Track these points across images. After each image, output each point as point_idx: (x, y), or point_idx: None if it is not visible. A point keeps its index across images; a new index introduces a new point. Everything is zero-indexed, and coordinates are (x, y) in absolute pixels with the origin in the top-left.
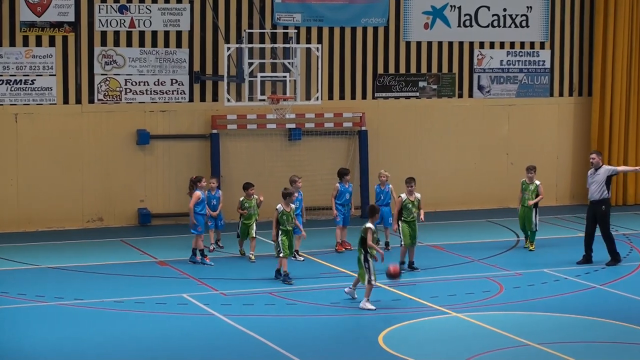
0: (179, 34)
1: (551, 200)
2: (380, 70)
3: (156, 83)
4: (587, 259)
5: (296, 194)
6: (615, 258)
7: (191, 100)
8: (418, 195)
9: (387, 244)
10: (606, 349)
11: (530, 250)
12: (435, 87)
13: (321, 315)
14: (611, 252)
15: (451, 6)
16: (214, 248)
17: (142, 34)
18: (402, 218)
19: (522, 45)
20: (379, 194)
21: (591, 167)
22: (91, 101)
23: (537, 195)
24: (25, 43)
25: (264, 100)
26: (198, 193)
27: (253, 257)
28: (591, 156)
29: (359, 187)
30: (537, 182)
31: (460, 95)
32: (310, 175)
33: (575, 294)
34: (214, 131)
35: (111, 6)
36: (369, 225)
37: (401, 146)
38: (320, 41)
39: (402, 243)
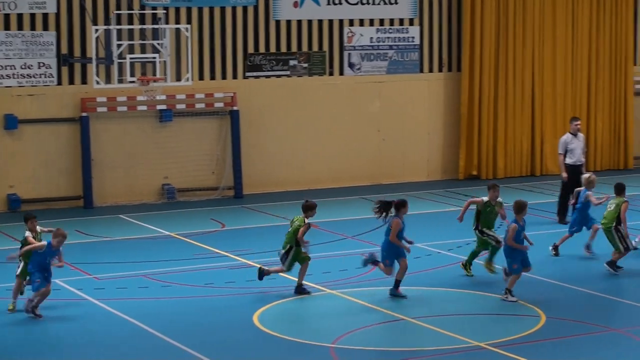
0: (45, 16)
1: (422, 175)
2: (251, 49)
3: (23, 67)
4: None
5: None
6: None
7: (59, 83)
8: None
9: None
10: (480, 321)
11: None
12: (306, 65)
13: (196, 297)
14: None
15: None
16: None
17: (7, 17)
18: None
19: (392, 22)
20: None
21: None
22: None
23: None
24: None
25: (133, 81)
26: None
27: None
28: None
29: (232, 167)
30: None
31: (331, 73)
32: (181, 157)
33: (448, 268)
34: (84, 114)
35: None
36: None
37: (273, 125)
38: (189, 21)
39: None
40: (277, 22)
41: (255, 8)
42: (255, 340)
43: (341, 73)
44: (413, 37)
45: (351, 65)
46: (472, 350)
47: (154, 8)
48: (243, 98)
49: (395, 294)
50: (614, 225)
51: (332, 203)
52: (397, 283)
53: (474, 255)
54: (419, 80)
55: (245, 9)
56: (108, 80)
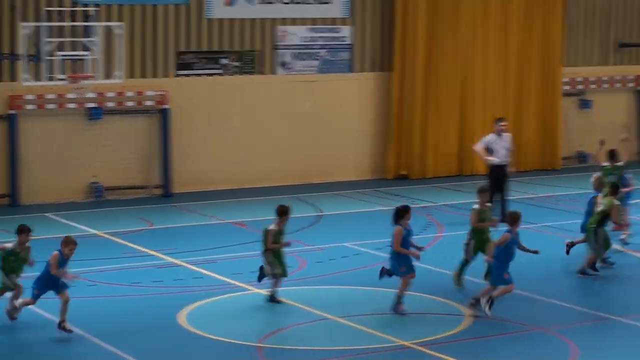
0: None
1: (352, 174)
2: (183, 47)
3: None
4: None
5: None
6: None
7: None
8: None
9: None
10: (407, 320)
11: None
12: (237, 64)
13: (122, 296)
14: None
15: None
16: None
17: None
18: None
19: (324, 21)
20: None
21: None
22: None
23: None
24: None
25: (63, 79)
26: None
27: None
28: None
29: (162, 166)
30: None
31: (263, 72)
32: (111, 155)
33: (376, 267)
34: (12, 112)
35: None
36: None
37: (204, 124)
38: (121, 19)
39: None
40: (209, 21)
41: (188, 6)
42: (181, 340)
43: (273, 72)
44: (345, 37)
45: (283, 64)
46: (398, 350)
47: (86, 5)
48: (174, 96)
49: (397, 310)
50: (595, 226)
51: (262, 202)
52: (398, 299)
53: (464, 264)
54: (350, 80)
55: (177, 7)
56: (37, 77)
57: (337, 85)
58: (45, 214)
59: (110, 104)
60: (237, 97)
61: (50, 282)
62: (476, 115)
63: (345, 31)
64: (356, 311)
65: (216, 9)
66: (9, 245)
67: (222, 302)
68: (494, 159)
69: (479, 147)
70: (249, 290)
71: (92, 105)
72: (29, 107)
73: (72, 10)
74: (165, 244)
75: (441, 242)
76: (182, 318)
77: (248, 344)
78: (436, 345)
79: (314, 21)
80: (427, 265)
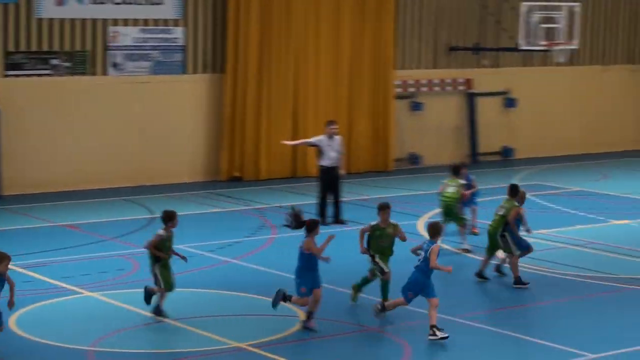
0: None
1: (185, 177)
2: (11, 47)
3: None
4: None
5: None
6: None
7: None
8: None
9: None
10: (241, 322)
11: None
12: (68, 64)
13: None
14: None
15: None
16: None
17: None
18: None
19: (156, 22)
20: None
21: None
22: None
23: None
24: None
25: None
26: None
27: None
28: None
29: None
30: None
31: (94, 73)
32: None
33: (210, 269)
34: None
35: None
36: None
37: (35, 125)
38: None
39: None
40: (39, 20)
41: (17, 5)
42: (12, 345)
43: (104, 73)
44: (177, 38)
45: (114, 65)
46: (232, 352)
47: None
48: (3, 97)
49: (308, 326)
50: (499, 232)
51: (94, 204)
52: (310, 315)
53: (365, 281)
54: (182, 81)
55: (5, 6)
56: None
57: (170, 87)
58: None
59: None
60: (69, 98)
61: None
62: (309, 116)
63: (178, 32)
64: (189, 313)
65: (46, 9)
66: None
67: (53, 305)
68: (324, 161)
69: (303, 140)
70: (81, 293)
71: None
72: None
73: None
74: None
75: (274, 243)
76: (12, 322)
77: (79, 347)
78: (271, 346)
79: (145, 22)
80: (260, 267)
